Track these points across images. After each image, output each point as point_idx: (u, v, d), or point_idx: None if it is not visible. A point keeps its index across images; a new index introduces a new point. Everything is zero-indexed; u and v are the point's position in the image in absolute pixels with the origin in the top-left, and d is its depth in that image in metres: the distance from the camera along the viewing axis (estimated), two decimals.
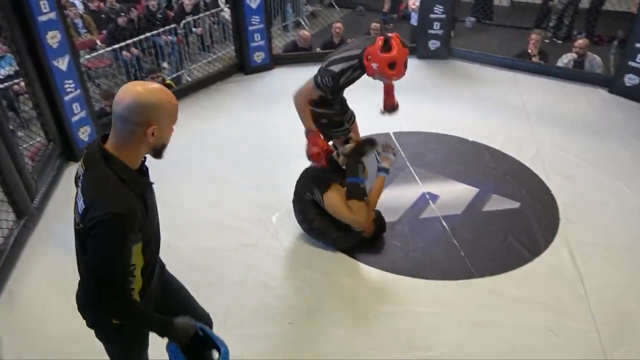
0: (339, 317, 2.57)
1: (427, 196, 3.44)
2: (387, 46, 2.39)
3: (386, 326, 2.52)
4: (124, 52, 6.39)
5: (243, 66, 5.46)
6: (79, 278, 2.88)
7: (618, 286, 2.71)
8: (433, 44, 5.75)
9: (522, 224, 3.18)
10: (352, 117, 3.07)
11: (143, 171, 1.43)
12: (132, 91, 1.30)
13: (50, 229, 3.18)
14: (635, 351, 2.35)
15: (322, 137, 2.78)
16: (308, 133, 2.75)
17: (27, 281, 2.80)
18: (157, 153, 1.42)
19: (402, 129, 4.29)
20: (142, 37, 6.26)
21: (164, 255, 1.71)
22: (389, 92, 2.94)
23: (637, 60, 4.64)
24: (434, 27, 5.64)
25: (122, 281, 1.39)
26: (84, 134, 3.88)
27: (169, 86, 4.97)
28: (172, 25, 6.68)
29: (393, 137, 4.17)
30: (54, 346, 2.42)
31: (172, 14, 7.30)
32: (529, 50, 5.54)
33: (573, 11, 7.51)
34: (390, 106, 2.98)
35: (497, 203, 3.38)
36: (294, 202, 3.03)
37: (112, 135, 1.35)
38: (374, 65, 2.44)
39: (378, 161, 2.91)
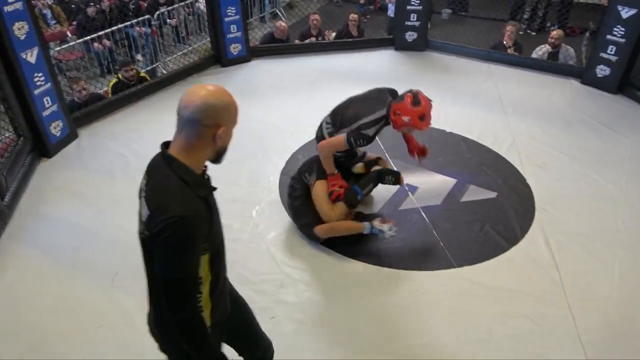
0: (321, 310, 2.58)
1: (406, 187, 3.47)
2: (416, 101, 2.63)
3: (368, 318, 2.54)
4: (96, 44, 6.22)
5: (219, 58, 5.38)
6: (58, 276, 2.82)
7: (592, 273, 2.79)
8: (410, 36, 5.77)
9: (499, 213, 3.24)
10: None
11: (205, 178, 1.42)
12: (200, 94, 1.30)
13: (23, 228, 3.09)
14: (608, 336, 2.43)
15: (341, 178, 2.99)
16: (330, 175, 2.97)
17: (0, 281, 2.72)
18: (219, 157, 1.41)
19: None
20: (114, 28, 6.10)
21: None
22: (410, 140, 3.17)
23: (608, 51, 4.75)
24: (411, 19, 5.66)
25: (192, 290, 1.34)
26: (56, 128, 3.77)
27: (143, 79, 4.86)
28: (146, 17, 6.52)
29: None
30: (31, 348, 2.36)
31: (145, 4, 7.13)
32: (504, 42, 5.62)
33: (546, 3, 7.64)
34: (420, 152, 3.15)
35: (475, 193, 3.43)
36: (292, 177, 3.16)
37: (176, 140, 1.33)
38: (406, 119, 2.65)
39: (375, 222, 2.93)
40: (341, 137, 2.80)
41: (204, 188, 1.37)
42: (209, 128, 1.30)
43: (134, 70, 4.82)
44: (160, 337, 1.52)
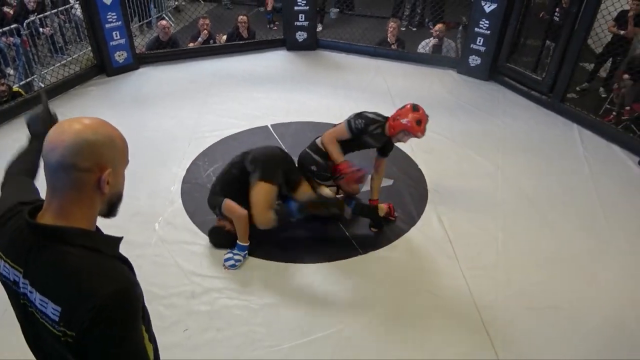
0: (235, 314, 2.57)
1: None
2: (415, 107, 2.91)
3: (282, 315, 2.58)
4: None
5: (104, 67, 5.08)
6: None
7: (479, 243, 3.09)
8: (300, 36, 5.90)
9: (397, 198, 3.46)
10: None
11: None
12: (70, 130, 0.99)
13: None
14: (498, 297, 2.72)
15: (348, 165, 2.99)
16: (339, 164, 2.98)
17: None
18: (112, 208, 1.09)
19: (279, 120, 4.37)
20: None
21: None
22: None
23: (477, 42, 5.26)
24: (300, 19, 5.80)
25: None
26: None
27: (17, 94, 4.45)
28: (13, 26, 5.93)
29: (272, 129, 4.22)
30: None
31: (12, 12, 6.48)
32: (388, 39, 5.96)
33: (423, 1, 8.21)
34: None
35: None
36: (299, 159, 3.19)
37: (49, 201, 1.01)
38: (404, 121, 2.87)
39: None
40: (342, 123, 3.00)
41: (115, 244, 1.08)
42: (91, 172, 0.99)
43: (5, 86, 4.38)
44: None
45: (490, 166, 3.86)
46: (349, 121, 2.99)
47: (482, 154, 3.99)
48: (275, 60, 5.76)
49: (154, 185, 3.48)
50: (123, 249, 1.10)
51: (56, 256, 0.98)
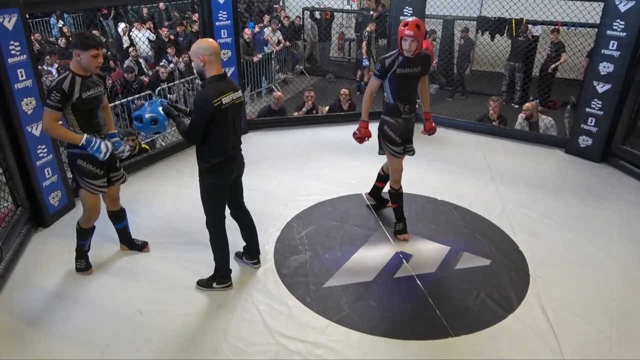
0: None
1: (401, 255, 3.49)
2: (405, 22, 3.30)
3: None
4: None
5: None
6: (47, 347, 2.72)
7: (590, 342, 2.75)
8: None
9: (494, 281, 3.24)
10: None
11: None
12: None
13: (13, 298, 3.05)
14: None
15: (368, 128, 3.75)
16: (361, 122, 3.79)
17: None
18: None
19: None
20: (116, 103, 6.35)
21: None
22: (428, 118, 3.85)
23: (589, 123, 5.00)
24: None
25: None
26: (55, 198, 3.83)
27: (144, 150, 5.00)
28: (147, 92, 6.82)
29: (365, 197, 4.27)
30: None
31: (147, 80, 7.49)
32: (489, 116, 5.89)
33: (523, 78, 8.07)
34: (429, 130, 3.88)
35: (469, 261, 3.45)
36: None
37: None
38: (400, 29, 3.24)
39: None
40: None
41: None
42: None
43: (136, 141, 4.97)
44: None
45: (604, 256, 3.50)
46: (374, 72, 3.45)
47: (594, 242, 3.65)
48: (373, 131, 5.90)
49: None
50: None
51: None
